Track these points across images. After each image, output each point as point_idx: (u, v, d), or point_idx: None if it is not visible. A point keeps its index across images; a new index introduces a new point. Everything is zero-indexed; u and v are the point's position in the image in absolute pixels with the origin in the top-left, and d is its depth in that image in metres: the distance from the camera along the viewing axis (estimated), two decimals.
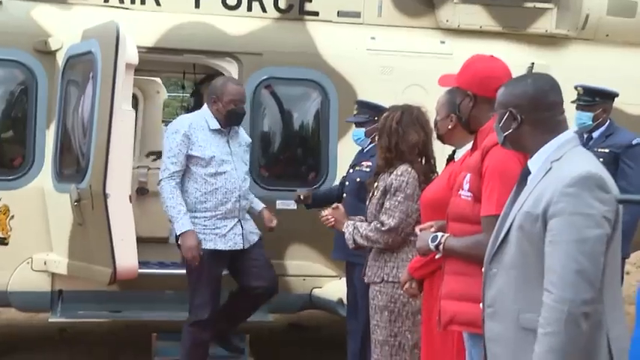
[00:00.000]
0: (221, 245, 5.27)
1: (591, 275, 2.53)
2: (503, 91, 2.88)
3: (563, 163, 2.68)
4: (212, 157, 5.24)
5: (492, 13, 6.45)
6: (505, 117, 2.82)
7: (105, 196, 5.13)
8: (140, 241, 5.66)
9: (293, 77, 6.12)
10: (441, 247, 3.35)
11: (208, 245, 5.23)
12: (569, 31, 6.58)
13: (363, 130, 5.36)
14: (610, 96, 5.80)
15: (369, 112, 5.35)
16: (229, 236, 5.29)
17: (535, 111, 2.77)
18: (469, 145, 3.72)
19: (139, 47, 5.77)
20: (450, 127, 3.85)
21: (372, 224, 4.35)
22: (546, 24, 6.53)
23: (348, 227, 4.45)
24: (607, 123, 5.77)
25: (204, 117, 5.34)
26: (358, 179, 5.18)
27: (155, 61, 6.39)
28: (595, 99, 5.72)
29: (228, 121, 5.33)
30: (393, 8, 6.40)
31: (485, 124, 3.38)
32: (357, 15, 6.37)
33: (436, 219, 3.64)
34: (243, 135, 5.55)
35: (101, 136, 5.23)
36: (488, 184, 3.15)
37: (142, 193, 7.55)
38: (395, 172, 4.37)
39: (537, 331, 2.56)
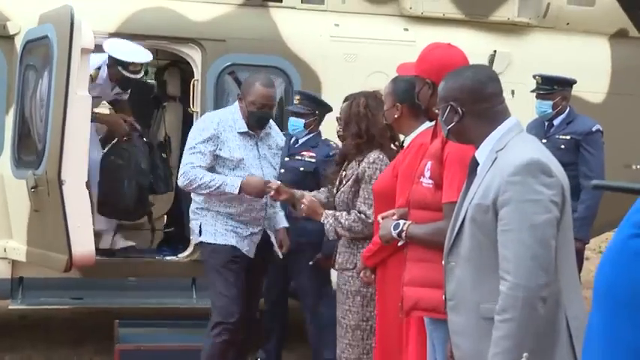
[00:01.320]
0: (240, 244, 4.88)
1: (544, 260, 2.59)
2: (443, 85, 2.92)
3: (507, 151, 2.72)
4: (241, 159, 4.85)
5: (455, 1, 6.49)
6: (447, 111, 2.86)
7: (60, 182, 5.06)
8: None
9: (256, 64, 6.09)
10: (403, 234, 3.38)
11: (229, 241, 4.86)
12: (530, 19, 6.64)
13: (301, 120, 5.39)
14: (568, 83, 5.89)
15: (311, 105, 5.41)
16: (247, 240, 4.92)
17: (475, 103, 2.82)
18: (417, 132, 3.81)
19: (101, 33, 5.72)
20: (396, 116, 3.90)
21: (353, 215, 4.31)
22: (508, 12, 6.59)
23: (327, 218, 4.39)
24: (567, 110, 5.87)
25: (233, 116, 4.93)
26: (302, 169, 5.29)
27: None
28: (554, 87, 5.81)
29: (250, 123, 4.90)
30: None
31: None
32: (321, 2, 6.37)
33: (386, 209, 3.69)
34: (275, 137, 5.11)
35: (56, 121, 5.16)
36: (449, 171, 3.19)
37: None
38: (366, 160, 4.35)
39: (495, 318, 2.60)
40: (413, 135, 3.89)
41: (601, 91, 6.71)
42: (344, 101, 4.65)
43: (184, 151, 4.93)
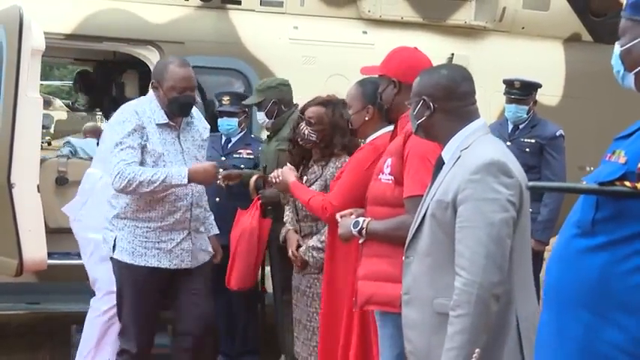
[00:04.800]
0: (165, 262, 4.35)
1: (499, 258, 2.64)
2: (418, 81, 2.97)
3: (471, 151, 2.78)
4: (160, 154, 4.30)
5: (413, 4, 6.55)
6: (419, 105, 2.91)
7: (10, 185, 4.97)
8: (61, 231, 5.55)
9: (215, 66, 6.08)
10: (363, 231, 3.41)
11: (150, 262, 4.33)
12: (487, 22, 6.73)
13: (234, 120, 5.56)
14: (537, 88, 6.02)
15: (241, 104, 5.57)
16: (175, 252, 4.37)
17: (447, 100, 2.87)
18: (376, 134, 3.87)
19: (56, 34, 5.66)
20: (366, 118, 3.92)
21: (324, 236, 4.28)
22: (465, 16, 6.67)
23: (308, 253, 4.38)
24: (532, 114, 6.00)
25: (150, 106, 4.36)
26: (243, 166, 5.43)
27: (74, 48, 6.27)
28: (531, 92, 5.93)
29: (172, 111, 4.35)
30: None
31: (407, 111, 3.46)
32: (280, 4, 6.38)
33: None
34: (199, 127, 4.54)
35: (6, 124, 5.07)
36: (411, 167, 3.24)
37: (61, 182, 7.38)
38: (335, 165, 4.38)
39: (449, 313, 2.65)
40: (371, 137, 3.93)
41: (556, 94, 6.82)
42: (317, 104, 4.53)
43: (108, 150, 4.39)
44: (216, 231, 4.70)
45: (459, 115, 2.88)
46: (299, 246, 4.45)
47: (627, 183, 1.97)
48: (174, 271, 4.40)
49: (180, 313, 4.50)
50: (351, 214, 3.58)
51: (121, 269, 4.40)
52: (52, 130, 19.43)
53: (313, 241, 4.38)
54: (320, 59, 6.22)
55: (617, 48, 2.22)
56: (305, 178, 4.45)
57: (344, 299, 3.90)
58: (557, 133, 5.90)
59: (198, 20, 6.17)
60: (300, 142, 4.50)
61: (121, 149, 4.23)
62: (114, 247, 4.38)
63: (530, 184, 2.23)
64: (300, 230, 4.56)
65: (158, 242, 4.34)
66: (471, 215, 2.66)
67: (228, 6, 6.28)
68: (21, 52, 5.04)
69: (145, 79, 6.60)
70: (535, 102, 5.99)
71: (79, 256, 6.14)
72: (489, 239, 2.63)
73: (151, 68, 6.06)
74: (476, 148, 2.78)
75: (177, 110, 4.36)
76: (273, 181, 4.39)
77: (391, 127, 3.85)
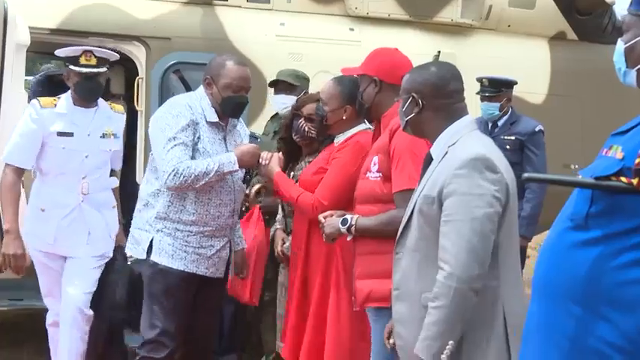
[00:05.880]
0: (202, 269, 4.15)
1: (481, 253, 2.66)
2: (407, 77, 3.00)
3: (457, 146, 2.81)
4: (210, 155, 4.07)
5: (400, 2, 6.56)
6: (408, 102, 2.94)
7: None
8: None
9: (202, 62, 6.01)
10: (352, 228, 3.42)
11: (188, 267, 4.11)
12: (473, 20, 6.75)
13: None
14: (511, 85, 6.03)
15: None
16: (214, 259, 4.18)
17: (436, 97, 2.90)
18: (350, 133, 3.93)
19: (42, 29, 5.62)
20: (344, 117, 3.95)
21: None
22: (452, 13, 6.69)
23: None
24: (510, 111, 6.00)
25: (200, 102, 4.12)
26: None
27: (59, 43, 6.22)
28: (500, 89, 5.94)
29: (224, 111, 4.12)
30: None
31: (388, 110, 3.48)
32: (267, 1, 6.37)
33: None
34: (240, 131, 4.34)
35: None
36: (398, 162, 3.27)
37: None
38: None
39: (429, 304, 2.69)
40: (344, 136, 3.96)
41: (541, 92, 6.86)
42: (316, 101, 4.37)
43: (159, 145, 4.03)
44: (244, 245, 4.50)
45: (447, 113, 2.90)
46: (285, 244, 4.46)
47: (623, 179, 1.97)
48: (206, 280, 4.19)
49: (198, 323, 4.30)
50: (332, 215, 3.59)
51: (156, 273, 4.12)
52: None
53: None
54: (307, 56, 6.21)
55: (621, 44, 2.19)
56: (292, 174, 4.45)
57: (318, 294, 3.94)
58: (537, 129, 5.93)
59: (185, 16, 6.15)
60: (296, 139, 4.49)
61: (175, 145, 3.98)
62: (150, 249, 4.11)
63: (526, 175, 2.24)
64: (286, 226, 4.56)
65: (198, 247, 4.12)
66: (455, 209, 2.69)
67: (215, 2, 6.26)
68: (5, 47, 5.01)
69: (130, 75, 6.57)
70: (509, 99, 6.00)
71: None
72: (472, 233, 2.65)
73: (137, 64, 6.06)
74: (462, 144, 2.81)
75: (229, 110, 4.13)
76: (262, 163, 4.15)
77: (364, 126, 3.93)
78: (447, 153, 2.82)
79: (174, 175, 3.94)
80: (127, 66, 6.73)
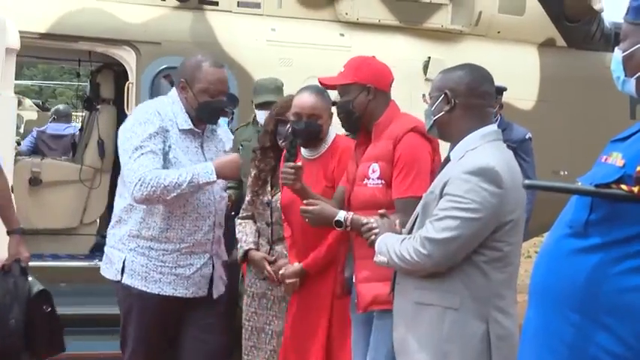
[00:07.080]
0: (181, 290, 3.74)
1: (458, 250, 2.74)
2: (440, 76, 3.01)
3: (474, 153, 2.83)
4: (183, 164, 3.68)
5: (390, 8, 6.58)
6: (439, 100, 2.94)
7: None
8: (35, 233, 5.49)
9: None
10: (348, 220, 3.41)
11: (164, 289, 3.71)
12: (463, 26, 6.78)
13: (224, 120, 5.48)
14: (501, 91, 6.04)
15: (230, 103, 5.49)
16: (194, 279, 3.76)
17: (468, 96, 2.90)
18: (329, 142, 3.94)
19: (32, 33, 5.61)
20: (325, 127, 3.97)
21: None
22: (442, 20, 6.71)
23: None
24: (499, 118, 6.02)
25: (172, 108, 3.74)
26: None
27: (49, 47, 6.22)
28: (497, 96, 5.95)
29: (200, 117, 3.75)
30: (293, 0, 6.44)
31: (380, 118, 3.48)
32: (257, 6, 6.38)
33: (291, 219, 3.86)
34: (222, 136, 3.96)
35: None
36: (402, 169, 3.31)
37: (35, 183, 7.32)
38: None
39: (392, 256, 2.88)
40: (327, 144, 3.98)
41: (530, 99, 6.89)
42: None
43: (126, 154, 3.65)
44: (226, 257, 4.06)
45: (476, 114, 2.91)
46: (270, 262, 4.32)
47: (624, 186, 1.95)
48: (187, 300, 3.79)
49: (183, 351, 3.88)
50: (317, 204, 3.52)
51: (130, 296, 3.75)
52: (21, 130, 19.25)
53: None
54: (297, 61, 6.23)
55: (619, 53, 2.18)
56: (273, 199, 4.33)
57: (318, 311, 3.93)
58: (527, 136, 5.95)
59: (175, 21, 6.15)
60: (283, 145, 4.42)
61: (142, 154, 3.58)
62: (123, 269, 3.73)
63: (527, 182, 2.23)
64: (271, 249, 4.41)
65: (175, 267, 3.73)
66: (446, 206, 2.74)
67: (205, 7, 6.27)
68: None
69: (120, 79, 6.56)
70: (501, 106, 6.00)
71: (51, 257, 6.11)
72: (457, 230, 2.71)
73: (127, 69, 6.05)
74: (480, 152, 2.82)
75: (206, 116, 3.76)
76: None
77: (334, 130, 3.97)
78: (463, 156, 2.84)
79: (141, 185, 3.53)
80: (116, 70, 6.73)
